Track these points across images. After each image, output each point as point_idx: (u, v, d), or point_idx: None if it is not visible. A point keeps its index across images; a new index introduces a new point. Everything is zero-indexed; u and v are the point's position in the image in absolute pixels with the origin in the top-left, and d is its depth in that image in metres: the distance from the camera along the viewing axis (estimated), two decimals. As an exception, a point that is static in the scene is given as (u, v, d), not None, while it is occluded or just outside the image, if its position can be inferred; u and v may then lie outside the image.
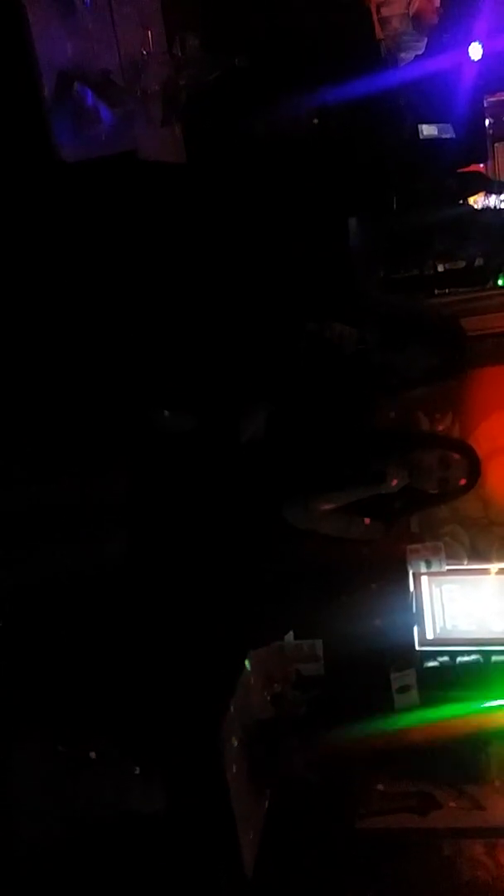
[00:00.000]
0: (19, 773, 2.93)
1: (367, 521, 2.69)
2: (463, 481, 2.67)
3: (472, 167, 5.19)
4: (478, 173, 5.15)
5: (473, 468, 2.69)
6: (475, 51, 4.74)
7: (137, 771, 3.01)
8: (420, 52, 4.95)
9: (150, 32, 3.24)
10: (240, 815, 3.08)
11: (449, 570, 3.87)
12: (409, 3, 4.81)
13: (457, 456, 2.69)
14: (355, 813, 3.50)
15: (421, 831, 3.47)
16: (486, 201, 5.14)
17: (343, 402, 2.78)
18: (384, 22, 4.81)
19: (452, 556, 4.00)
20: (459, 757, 3.66)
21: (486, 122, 5.36)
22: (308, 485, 2.69)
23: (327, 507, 2.68)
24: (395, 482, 2.64)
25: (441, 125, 4.71)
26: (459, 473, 2.66)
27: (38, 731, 2.95)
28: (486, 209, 5.14)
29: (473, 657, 3.77)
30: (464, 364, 2.83)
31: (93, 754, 2.98)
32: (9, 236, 2.92)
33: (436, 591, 3.86)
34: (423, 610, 3.82)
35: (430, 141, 4.69)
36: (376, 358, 2.69)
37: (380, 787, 3.58)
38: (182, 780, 3.03)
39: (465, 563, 4.07)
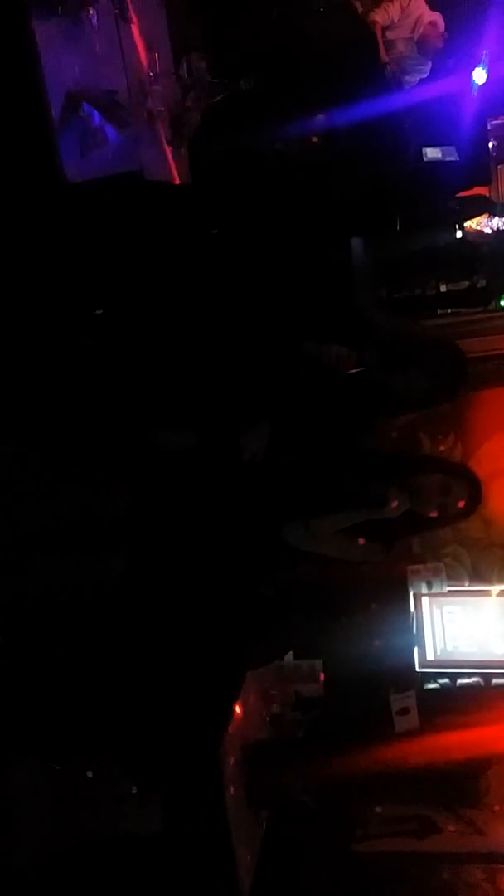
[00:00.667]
0: (16, 792, 2.91)
1: (361, 541, 2.68)
2: (463, 506, 2.67)
3: (476, 190, 5.23)
4: (481, 196, 5.19)
5: (474, 493, 2.69)
6: (479, 75, 4.79)
7: (134, 790, 2.99)
8: (425, 76, 5.01)
9: (156, 54, 3.28)
10: (237, 837, 3.06)
11: (450, 592, 3.86)
12: (414, 28, 4.87)
13: (457, 481, 2.69)
14: (353, 836, 3.47)
15: (420, 855, 3.44)
16: (489, 223, 5.17)
17: (342, 423, 2.78)
18: (389, 45, 4.88)
19: (454, 578, 3.99)
20: (459, 781, 3.63)
21: (490, 144, 5.40)
22: (308, 506, 2.69)
23: (327, 529, 2.68)
24: (395, 506, 2.64)
25: (445, 148, 4.75)
26: (460, 498, 2.66)
27: (34, 749, 2.93)
28: (488, 231, 5.16)
29: (474, 679, 3.74)
30: (461, 388, 2.84)
31: (90, 773, 2.96)
32: (14, 254, 2.94)
33: (436, 612, 3.83)
34: (423, 631, 3.80)
35: (434, 163, 4.72)
36: (374, 380, 2.70)
37: (378, 809, 3.55)
38: (179, 801, 3.01)
39: (467, 584, 4.06)
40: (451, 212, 5.07)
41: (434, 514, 2.68)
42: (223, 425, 2.79)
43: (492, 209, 5.22)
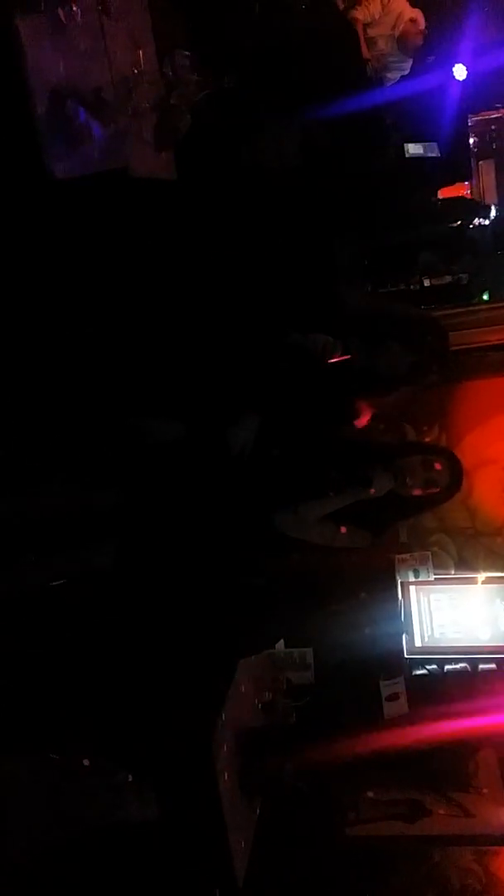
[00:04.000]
0: (12, 782, 2.93)
1: (343, 529, 2.72)
2: (445, 484, 2.71)
3: (457, 185, 5.29)
4: (463, 198, 5.25)
5: (455, 470, 2.74)
6: (459, 71, 4.85)
7: (130, 779, 3.02)
8: (406, 73, 5.05)
9: (141, 51, 3.29)
10: (231, 823, 3.09)
11: (437, 580, 3.92)
12: (394, 25, 4.91)
13: (438, 458, 2.74)
14: (345, 820, 3.52)
15: (410, 839, 3.49)
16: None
17: (328, 410, 2.82)
18: (371, 42, 4.91)
19: (440, 566, 4.05)
20: (448, 764, 3.69)
21: (471, 140, 5.46)
22: (297, 492, 2.72)
23: (317, 513, 2.72)
24: (381, 486, 2.68)
25: (426, 144, 4.81)
26: (442, 475, 2.72)
27: (31, 739, 2.95)
28: (470, 227, 5.23)
29: (461, 665, 3.80)
30: (445, 360, 2.88)
31: (86, 762, 2.99)
32: (2, 250, 2.96)
33: (424, 600, 3.89)
34: (411, 619, 3.85)
35: (416, 159, 4.78)
36: (359, 364, 2.73)
37: (370, 794, 3.60)
38: (174, 788, 3.03)
39: (453, 572, 4.12)
40: (434, 207, 5.13)
41: (418, 493, 2.72)
42: (212, 417, 2.82)
43: (475, 212, 5.29)
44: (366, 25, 4.84)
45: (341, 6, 4.85)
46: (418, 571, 3.86)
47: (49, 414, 2.98)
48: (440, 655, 3.83)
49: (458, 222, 5.16)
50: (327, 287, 3.61)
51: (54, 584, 2.88)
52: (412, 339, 2.74)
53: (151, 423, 2.88)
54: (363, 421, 2.88)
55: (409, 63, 5.03)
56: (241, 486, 2.76)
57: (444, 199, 5.24)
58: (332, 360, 2.74)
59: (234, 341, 2.84)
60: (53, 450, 3.01)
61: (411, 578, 3.87)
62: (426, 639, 3.84)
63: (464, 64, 4.86)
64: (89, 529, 2.96)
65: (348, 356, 2.75)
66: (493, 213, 5.40)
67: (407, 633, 3.83)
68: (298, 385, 2.79)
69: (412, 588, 3.89)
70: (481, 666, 3.79)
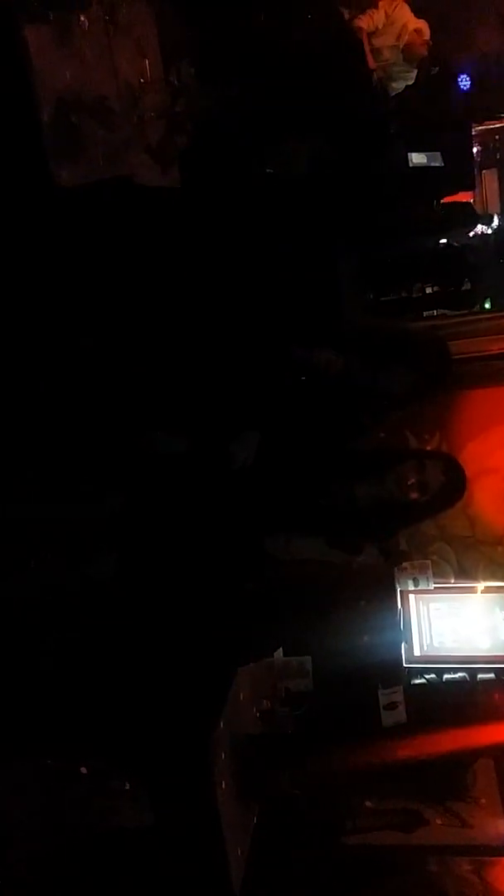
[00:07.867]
0: (8, 788, 2.94)
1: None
2: (441, 483, 2.64)
3: (460, 195, 5.32)
4: (465, 204, 5.27)
5: (451, 467, 2.68)
6: (463, 81, 4.88)
7: (127, 786, 3.02)
8: (410, 83, 5.09)
9: (147, 61, 3.32)
10: (228, 831, 3.09)
11: (436, 588, 3.92)
12: (399, 35, 4.94)
13: (432, 460, 2.69)
14: (343, 829, 3.52)
15: (408, 848, 3.48)
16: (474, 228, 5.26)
17: (331, 428, 2.81)
18: (376, 52, 4.95)
19: (440, 575, 4.05)
20: (446, 774, 3.68)
21: (474, 150, 5.49)
22: (292, 522, 2.72)
23: (305, 554, 2.72)
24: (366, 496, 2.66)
25: (430, 153, 4.83)
26: (435, 475, 2.64)
27: (28, 746, 2.96)
28: (472, 235, 5.25)
29: (460, 675, 3.80)
30: (447, 379, 2.87)
31: (84, 769, 2.99)
32: (5, 260, 2.97)
33: (423, 608, 3.90)
34: (410, 627, 3.86)
35: (420, 169, 4.80)
36: (361, 380, 2.73)
37: (367, 803, 3.60)
38: (171, 796, 3.04)
39: (452, 581, 4.13)
40: (437, 216, 5.15)
41: (415, 496, 2.64)
42: (214, 431, 2.82)
43: (475, 219, 5.31)
44: (370, 35, 4.89)
45: (346, 16, 4.89)
46: (418, 580, 3.87)
47: (53, 424, 2.99)
48: (439, 664, 3.82)
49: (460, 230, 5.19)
50: (331, 301, 3.62)
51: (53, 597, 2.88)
52: (415, 361, 2.73)
53: (156, 436, 2.89)
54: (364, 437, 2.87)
55: (414, 73, 5.07)
56: (241, 503, 2.76)
57: (446, 205, 5.26)
58: (336, 377, 2.73)
59: (238, 354, 2.84)
60: (57, 459, 3.02)
61: (411, 587, 3.88)
62: (425, 648, 3.85)
63: (468, 74, 4.90)
64: (91, 539, 2.97)
65: (352, 373, 2.74)
66: (495, 221, 5.44)
67: (406, 642, 3.83)
68: (301, 400, 2.79)
69: (412, 597, 3.90)
70: (480, 675, 3.79)
